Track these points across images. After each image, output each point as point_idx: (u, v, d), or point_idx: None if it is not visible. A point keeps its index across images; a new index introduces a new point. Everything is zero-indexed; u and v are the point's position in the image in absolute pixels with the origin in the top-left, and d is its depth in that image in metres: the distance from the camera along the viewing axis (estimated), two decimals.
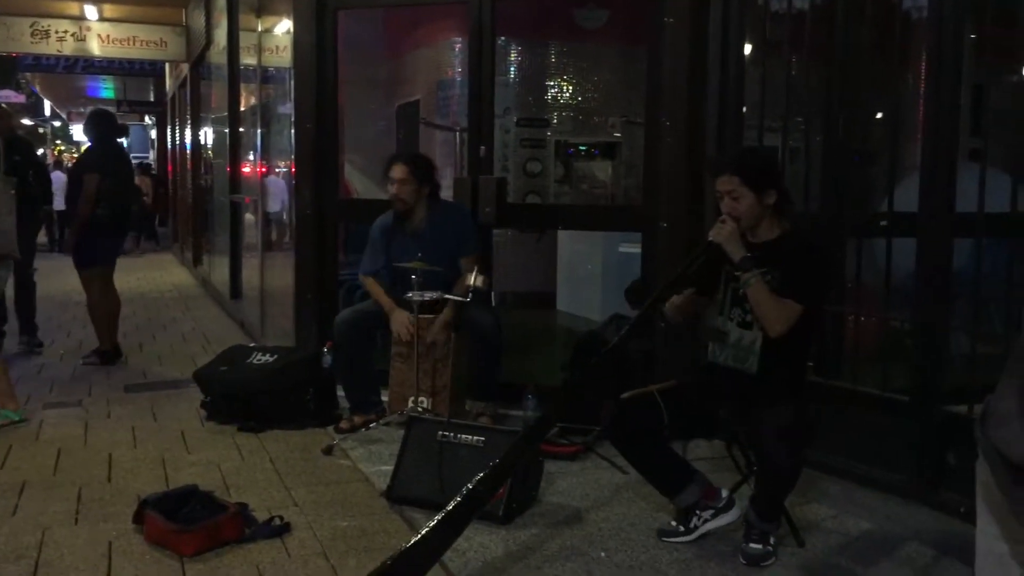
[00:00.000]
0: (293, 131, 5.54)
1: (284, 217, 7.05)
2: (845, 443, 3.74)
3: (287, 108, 5.93)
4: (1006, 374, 1.09)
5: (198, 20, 11.19)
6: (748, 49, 4.45)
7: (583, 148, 8.40)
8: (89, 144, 6.59)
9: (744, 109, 4.45)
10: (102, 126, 6.53)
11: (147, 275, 12.74)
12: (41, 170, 7.17)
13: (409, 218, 4.57)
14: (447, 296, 4.32)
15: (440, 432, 3.59)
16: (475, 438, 3.54)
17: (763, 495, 3.12)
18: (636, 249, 5.05)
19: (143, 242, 16.84)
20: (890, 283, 3.82)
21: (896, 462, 3.59)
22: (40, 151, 19.52)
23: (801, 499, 3.51)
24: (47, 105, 30.78)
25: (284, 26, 6.16)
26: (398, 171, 4.54)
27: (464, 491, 2.73)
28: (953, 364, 3.60)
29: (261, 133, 7.87)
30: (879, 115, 4.79)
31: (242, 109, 8.77)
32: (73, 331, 7.72)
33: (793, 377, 3.20)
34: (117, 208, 6.29)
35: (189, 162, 13.58)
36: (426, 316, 4.45)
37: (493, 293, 6.96)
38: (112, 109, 25.69)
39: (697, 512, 3.23)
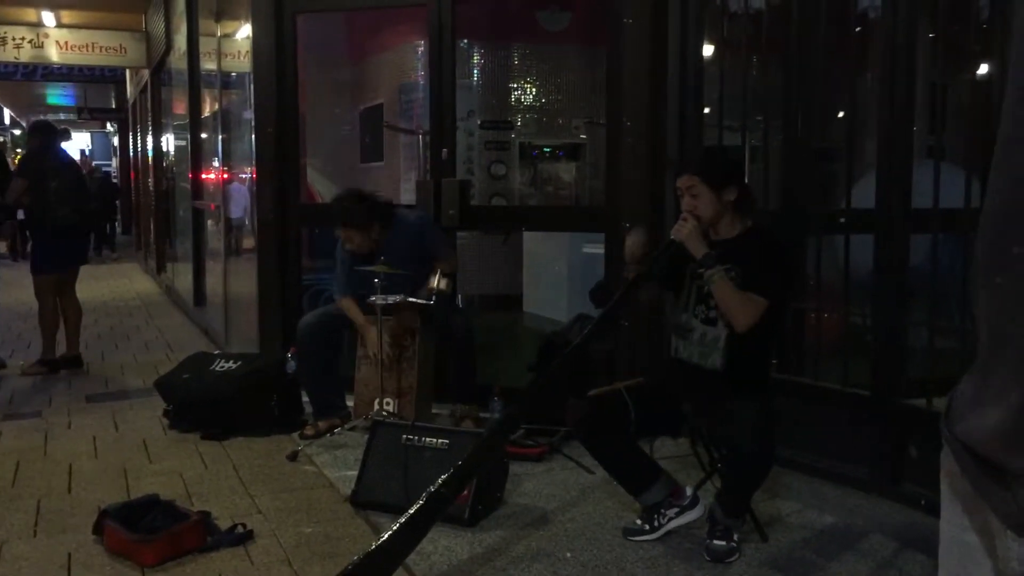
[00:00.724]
0: (254, 136, 5.50)
1: (247, 223, 6.99)
2: (808, 438, 3.78)
3: (248, 113, 5.88)
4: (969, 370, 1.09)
5: (158, 25, 11.08)
6: (707, 49, 4.49)
7: (547, 150, 8.42)
8: (36, 148, 6.46)
9: (705, 108, 4.48)
10: (39, 136, 6.48)
11: (110, 284, 12.58)
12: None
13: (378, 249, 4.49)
14: (410, 299, 4.30)
15: (404, 435, 3.57)
16: (439, 441, 3.53)
17: (731, 491, 3.14)
18: (600, 250, 5.06)
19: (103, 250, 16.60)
20: (850, 279, 3.86)
21: (858, 456, 3.63)
22: None
23: (765, 495, 3.53)
24: (7, 113, 30.33)
25: (244, 31, 6.12)
26: (349, 235, 4.43)
27: (427, 493, 2.71)
28: (913, 358, 3.64)
29: (223, 139, 7.80)
30: (838, 114, 4.84)
31: (204, 115, 8.69)
32: (34, 342, 7.57)
33: (758, 373, 3.23)
34: (62, 213, 6.20)
35: (151, 169, 13.43)
36: (390, 318, 4.42)
37: (460, 296, 6.96)
38: (73, 116, 25.43)
39: (662, 510, 3.23)
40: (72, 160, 6.93)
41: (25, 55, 12.11)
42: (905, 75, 3.51)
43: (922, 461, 3.37)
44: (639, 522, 3.27)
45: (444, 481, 2.73)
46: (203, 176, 8.76)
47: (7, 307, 8.52)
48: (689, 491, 3.29)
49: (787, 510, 3.52)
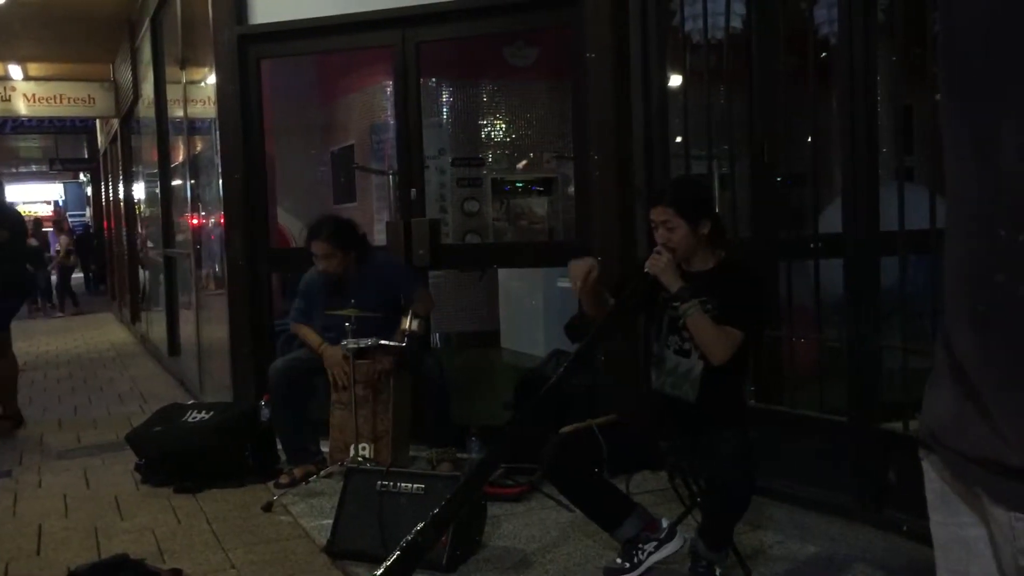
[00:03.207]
0: (221, 182, 5.46)
1: (218, 269, 6.94)
2: (788, 467, 3.74)
3: (217, 159, 5.86)
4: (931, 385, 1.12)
5: (125, 75, 11.06)
6: (671, 80, 4.51)
7: (520, 185, 8.43)
8: None
9: (672, 138, 4.49)
10: None
11: (84, 335, 12.47)
12: None
13: (340, 280, 4.48)
14: (382, 342, 4.26)
15: (379, 482, 3.51)
16: (415, 486, 3.47)
17: (712, 524, 3.09)
18: None
19: (47, 305, 16.30)
20: (822, 304, 3.85)
21: (839, 483, 3.60)
22: None
23: (746, 526, 3.49)
24: None
25: (210, 78, 6.11)
26: (320, 247, 4.41)
27: (403, 544, 2.65)
28: (890, 380, 3.63)
29: (192, 185, 7.76)
30: (804, 139, 4.88)
31: (173, 163, 8.66)
32: None
33: (734, 403, 3.21)
34: (9, 269, 6.12)
35: (124, 218, 13.35)
36: (363, 361, 4.38)
37: (437, 334, 6.92)
38: (45, 168, 25.31)
39: (640, 545, 3.18)
40: (20, 215, 6.89)
41: None
42: (865, 98, 3.53)
43: (902, 486, 3.34)
44: (619, 560, 3.22)
45: (420, 530, 2.66)
46: (174, 224, 8.70)
47: None
48: (665, 523, 3.24)
49: (769, 541, 3.49)
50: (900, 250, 3.48)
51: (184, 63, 7.13)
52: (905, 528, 3.23)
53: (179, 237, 8.54)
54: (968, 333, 0.96)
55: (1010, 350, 0.88)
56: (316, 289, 4.55)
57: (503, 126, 8.37)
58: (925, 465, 1.11)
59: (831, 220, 3.87)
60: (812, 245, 3.96)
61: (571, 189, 7.09)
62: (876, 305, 3.58)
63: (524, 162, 8.42)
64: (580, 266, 3.17)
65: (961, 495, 1.04)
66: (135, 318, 12.07)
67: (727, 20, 4.23)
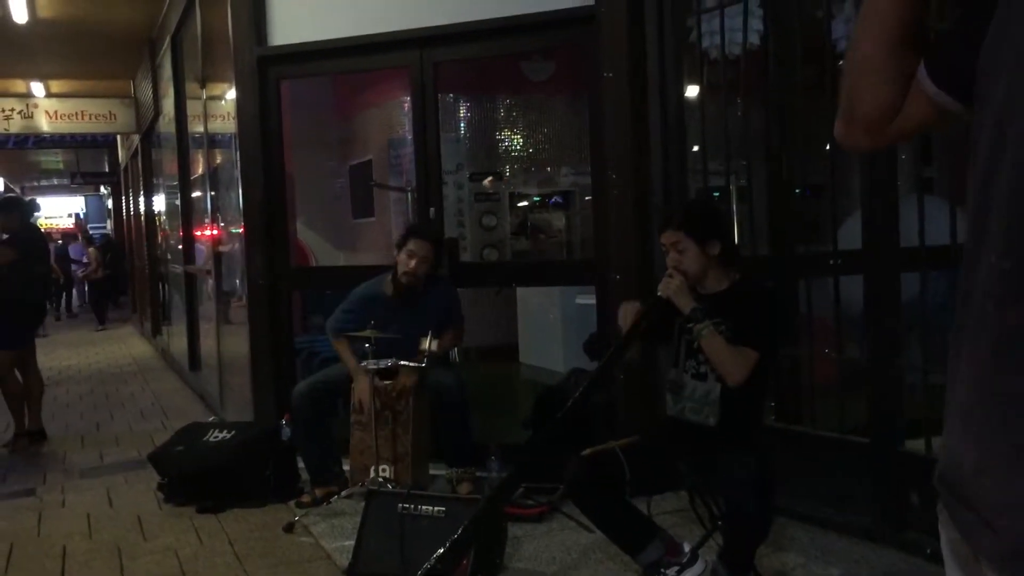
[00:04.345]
0: (242, 201, 5.50)
1: (238, 285, 6.99)
2: (808, 487, 3.73)
3: (237, 173, 5.91)
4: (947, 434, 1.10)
5: (146, 91, 11.17)
6: (688, 96, 4.51)
7: (537, 199, 8.45)
8: (20, 227, 6.43)
9: (689, 155, 4.50)
10: (18, 211, 6.52)
11: (106, 348, 12.57)
12: None
13: (411, 293, 4.45)
14: (402, 363, 4.26)
15: (400, 504, 3.52)
16: (436, 509, 3.48)
17: (733, 548, 3.08)
18: (593, 300, 5.05)
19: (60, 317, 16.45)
20: (842, 322, 3.84)
21: (860, 505, 3.58)
22: None
23: (768, 548, 3.47)
24: (0, 181, 30.44)
25: (229, 93, 6.17)
26: (422, 248, 4.38)
27: (423, 571, 2.66)
28: (911, 397, 3.61)
29: (212, 202, 7.83)
30: (822, 153, 4.87)
31: (193, 176, 8.73)
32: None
33: (752, 426, 3.19)
34: (35, 289, 6.27)
35: (144, 232, 13.46)
36: (385, 383, 4.39)
37: (456, 349, 6.93)
38: (67, 181, 25.53)
39: (662, 570, 3.17)
40: (43, 235, 7.02)
41: (15, 126, 12.20)
42: None
43: (925, 508, 3.32)
44: None
45: (440, 556, 2.67)
46: (194, 240, 8.77)
47: None
48: (687, 547, 3.23)
49: (792, 564, 3.47)
50: (921, 266, 3.46)
51: (204, 80, 7.19)
52: (929, 551, 3.21)
53: (199, 253, 8.60)
54: (951, 360, 0.95)
55: (974, 367, 0.87)
56: (374, 307, 4.46)
57: (520, 140, 8.39)
58: (941, 516, 1.10)
59: (850, 233, 3.85)
60: (832, 262, 3.95)
61: (588, 198, 7.12)
62: (897, 322, 3.56)
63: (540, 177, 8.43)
64: (631, 309, 3.16)
65: (966, 558, 1.01)
66: (156, 331, 12.16)
67: (744, 35, 4.23)
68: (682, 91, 4.46)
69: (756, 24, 4.31)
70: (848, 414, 3.73)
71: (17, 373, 6.34)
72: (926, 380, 3.48)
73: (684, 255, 3.12)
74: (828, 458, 3.75)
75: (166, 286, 11.42)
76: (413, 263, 4.40)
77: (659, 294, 3.13)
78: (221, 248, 7.44)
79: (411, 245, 4.42)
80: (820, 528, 3.66)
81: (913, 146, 4.72)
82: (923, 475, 3.25)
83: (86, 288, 15.47)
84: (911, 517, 3.40)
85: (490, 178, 8.24)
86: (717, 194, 4.70)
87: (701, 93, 4.49)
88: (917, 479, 3.38)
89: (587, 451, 3.29)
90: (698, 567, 3.19)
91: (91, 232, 22.55)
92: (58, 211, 34.12)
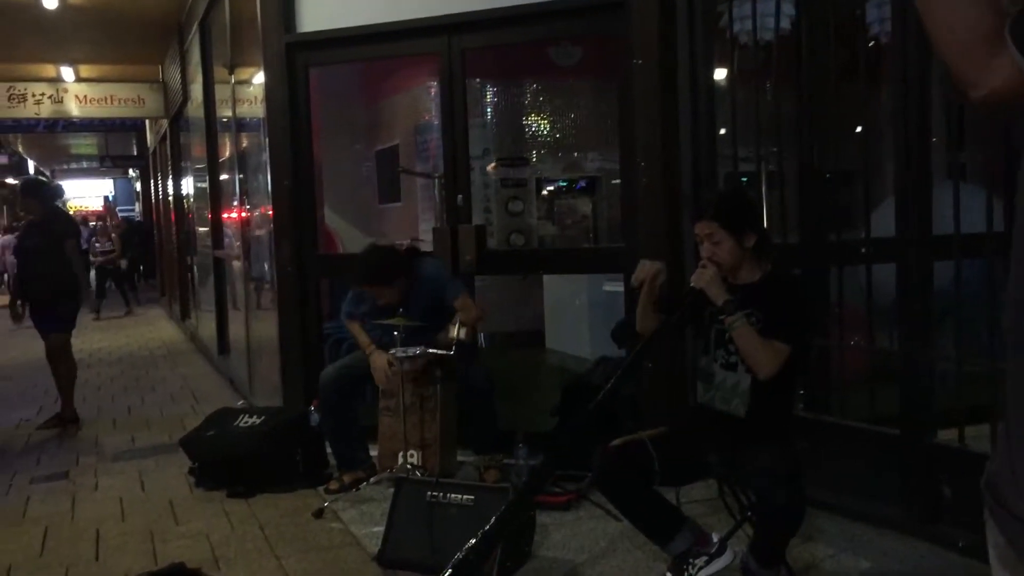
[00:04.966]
0: (270, 189, 5.53)
1: (267, 270, 7.04)
2: (838, 478, 3.71)
3: (264, 156, 5.93)
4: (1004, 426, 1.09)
5: (174, 76, 11.22)
6: (718, 83, 4.47)
7: (564, 184, 8.42)
8: (47, 211, 6.51)
9: (717, 143, 4.46)
10: (50, 195, 6.61)
11: (136, 332, 12.69)
12: None
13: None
14: (430, 350, 4.28)
15: (429, 492, 3.54)
16: (464, 497, 3.49)
17: (763, 541, 3.07)
18: (620, 288, 5.04)
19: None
20: (873, 312, 3.81)
21: (891, 496, 3.56)
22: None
23: (798, 539, 3.44)
24: (31, 164, 30.80)
25: (257, 77, 6.19)
26: (381, 292, 4.41)
27: (454, 562, 2.67)
28: (943, 387, 3.57)
29: (240, 187, 7.86)
30: (853, 139, 4.82)
31: (221, 159, 8.78)
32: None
33: (782, 417, 3.17)
34: (77, 271, 6.38)
35: (172, 216, 13.56)
36: (411, 370, 4.41)
37: (482, 335, 6.94)
38: (95, 164, 25.78)
39: (691, 560, 3.17)
40: (70, 218, 7.12)
41: (45, 111, 12.30)
42: (918, 98, 3.46)
43: (957, 501, 3.29)
44: (669, 574, 3.21)
45: (471, 547, 2.68)
46: (223, 224, 8.83)
47: (27, 362, 8.59)
48: (715, 537, 3.23)
49: (821, 555, 3.45)
50: (955, 254, 3.42)
51: (232, 66, 7.21)
52: (961, 544, 3.19)
53: (227, 238, 8.66)
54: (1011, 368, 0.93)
55: None
56: (369, 296, 4.57)
57: (547, 126, 8.36)
58: (988, 521, 1.09)
59: (882, 220, 3.81)
60: (863, 250, 3.91)
61: (615, 182, 7.08)
62: (930, 312, 3.52)
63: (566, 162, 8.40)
64: (649, 267, 3.17)
65: (1014, 564, 1.00)
66: (185, 315, 12.26)
67: (777, 20, 4.19)
68: (712, 78, 4.42)
69: (788, 8, 4.27)
70: (878, 404, 3.70)
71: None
72: (959, 370, 3.45)
73: (719, 247, 3.10)
74: (858, 449, 3.72)
75: (194, 270, 11.50)
76: (383, 301, 4.42)
77: (692, 285, 3.11)
78: (249, 233, 7.48)
79: (373, 291, 4.43)
80: (850, 519, 3.64)
81: (946, 131, 4.66)
82: (955, 467, 3.24)
83: (92, 273, 15.05)
84: (943, 510, 3.37)
85: (493, 164, 8.19)
86: (745, 179, 4.66)
87: (731, 79, 4.45)
88: (949, 471, 3.36)
89: (615, 441, 3.29)
90: (726, 558, 3.18)
91: (120, 215, 22.73)
92: (88, 193, 34.52)
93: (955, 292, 3.48)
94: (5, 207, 30.04)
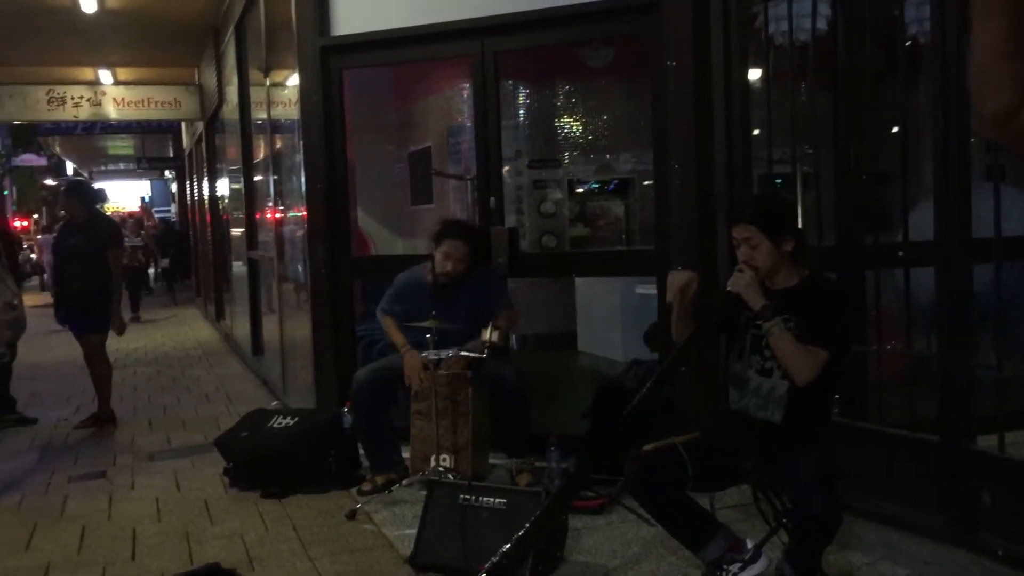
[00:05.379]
0: (304, 190, 5.56)
1: (300, 270, 7.09)
2: (875, 484, 3.66)
3: (299, 157, 5.98)
4: None
5: (210, 79, 11.34)
6: (752, 84, 4.43)
7: (596, 186, 8.39)
8: (88, 214, 6.60)
9: (751, 144, 4.42)
10: (92, 196, 6.70)
11: (171, 331, 12.84)
12: None
13: (444, 287, 4.48)
14: (463, 353, 4.29)
15: (461, 496, 3.54)
16: (497, 501, 3.49)
17: (799, 548, 3.03)
18: (653, 290, 5.01)
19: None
20: (911, 316, 3.75)
21: (930, 503, 3.50)
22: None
23: (834, 545, 3.40)
24: (69, 166, 31.29)
25: (292, 79, 6.25)
26: (458, 249, 4.41)
27: (488, 566, 2.67)
28: (982, 392, 3.51)
29: (275, 189, 7.93)
30: (890, 140, 4.75)
31: (255, 161, 8.86)
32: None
33: (819, 423, 3.14)
34: (107, 274, 6.45)
35: (208, 217, 13.71)
36: (443, 373, 4.41)
37: (514, 336, 6.93)
38: (132, 166, 26.14)
39: (724, 567, 3.15)
40: (111, 220, 7.26)
41: (84, 113, 12.49)
42: (958, 95, 3.41)
43: (997, 509, 3.24)
44: None
45: (504, 552, 2.69)
46: (257, 225, 8.90)
47: (66, 361, 8.70)
48: (750, 544, 3.20)
49: (858, 563, 3.41)
50: (995, 257, 3.36)
51: (268, 69, 7.27)
52: (1001, 553, 3.13)
53: (261, 239, 8.73)
54: None
55: None
56: (417, 293, 4.56)
57: (579, 127, 8.33)
58: None
59: (920, 223, 3.75)
60: (900, 253, 3.85)
61: (647, 183, 7.04)
62: (969, 316, 3.46)
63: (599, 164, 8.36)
64: (680, 277, 3.15)
65: None
66: (220, 315, 12.38)
67: (813, 21, 4.14)
68: (747, 78, 4.38)
69: (825, 9, 4.22)
70: (917, 410, 3.65)
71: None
72: (999, 375, 3.39)
73: (757, 251, 3.08)
74: (896, 455, 3.67)
75: (229, 270, 11.61)
76: (449, 265, 4.42)
77: (728, 289, 3.09)
78: (283, 234, 7.54)
79: (446, 246, 4.44)
80: (887, 527, 3.59)
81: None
82: (995, 474, 3.19)
83: None
84: (982, 518, 3.31)
85: (506, 167, 8.15)
86: (779, 181, 4.62)
87: (766, 79, 4.41)
88: (989, 478, 3.30)
89: (649, 447, 3.28)
90: (760, 564, 3.16)
91: (157, 216, 22.99)
92: (125, 195, 35.01)
93: (995, 296, 3.42)
94: (44, 208, 30.54)
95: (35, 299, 12.85)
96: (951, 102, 3.42)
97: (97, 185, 16.24)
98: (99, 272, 6.30)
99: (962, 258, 3.46)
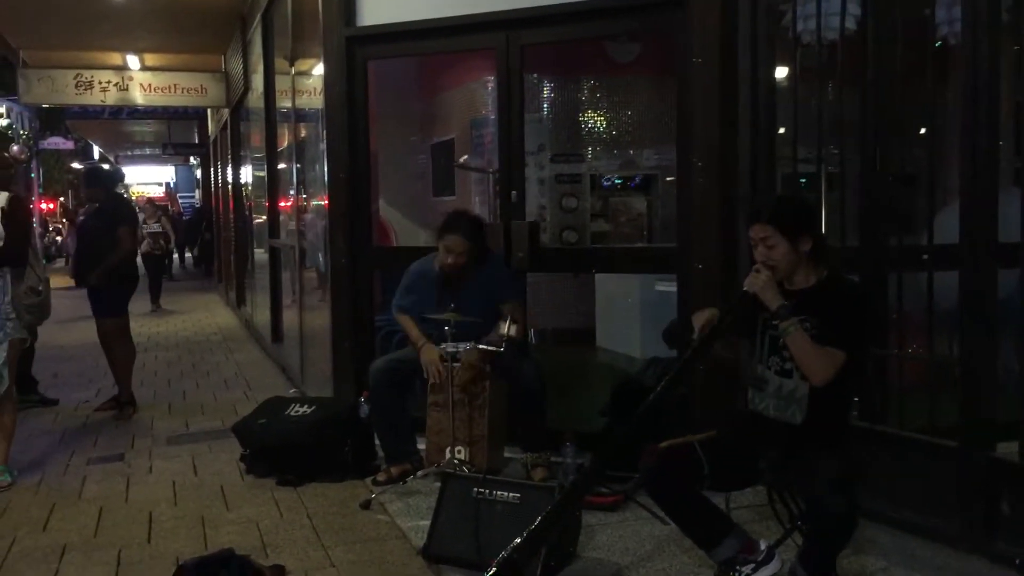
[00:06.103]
0: (327, 181, 5.57)
1: (321, 259, 7.11)
2: (894, 489, 3.63)
3: (322, 146, 6.00)
4: None
5: (236, 66, 11.38)
6: (779, 83, 4.40)
7: (619, 181, 8.36)
8: (107, 197, 6.64)
9: (776, 143, 4.39)
10: (112, 182, 6.73)
11: (192, 317, 12.93)
12: None
13: (453, 279, 4.51)
14: (480, 346, 4.29)
15: (475, 489, 3.54)
16: (510, 495, 3.49)
17: (814, 551, 3.01)
18: (673, 287, 4.99)
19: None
20: (934, 320, 3.71)
21: (947, 509, 3.47)
22: None
23: (848, 549, 3.38)
24: (96, 150, 31.56)
25: (317, 69, 6.27)
26: (458, 244, 4.42)
27: (499, 560, 2.66)
28: (1004, 398, 3.48)
29: (299, 179, 7.95)
30: (917, 142, 4.70)
31: (279, 149, 8.89)
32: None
33: (838, 424, 3.12)
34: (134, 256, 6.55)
35: (231, 204, 13.78)
36: (460, 365, 4.42)
37: (533, 331, 6.93)
38: (158, 151, 26.32)
39: (737, 567, 3.13)
40: (129, 203, 7.28)
41: (111, 98, 12.57)
42: (987, 97, 3.37)
43: (1015, 517, 3.20)
44: None
45: (516, 546, 2.68)
46: (280, 214, 8.94)
47: (86, 342, 8.79)
48: (763, 545, 3.18)
49: (873, 567, 3.39)
50: (1021, 262, 3.32)
51: (293, 58, 7.29)
52: (1018, 562, 3.11)
53: (283, 227, 8.77)
54: None
55: None
56: (426, 284, 4.59)
57: (603, 122, 8.30)
58: None
59: (945, 226, 3.71)
60: (924, 256, 3.82)
61: (670, 179, 6.99)
62: (993, 321, 3.42)
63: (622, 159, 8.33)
64: (702, 317, 3.13)
65: None
66: (241, 302, 12.45)
67: (842, 20, 4.10)
68: (773, 77, 4.35)
69: (854, 8, 4.18)
70: (936, 415, 3.62)
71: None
72: (1021, 381, 3.35)
73: (774, 250, 3.05)
74: (914, 460, 3.64)
75: (251, 257, 11.67)
76: (450, 259, 4.43)
77: (745, 289, 3.07)
78: (305, 223, 7.56)
79: (447, 241, 4.44)
80: (903, 532, 3.57)
81: (1013, 136, 4.53)
82: (1014, 482, 3.15)
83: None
84: (1000, 525, 3.28)
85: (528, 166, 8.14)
86: (804, 181, 4.58)
87: (793, 78, 4.38)
88: (1008, 486, 3.27)
89: (664, 444, 3.26)
90: (774, 565, 3.14)
91: (181, 202, 23.20)
92: (150, 179, 35.27)
93: (1019, 301, 3.38)
94: (71, 191, 30.83)
95: (60, 281, 12.95)
96: (980, 105, 3.38)
97: (114, 167, 16.34)
98: (113, 253, 6.34)
99: (987, 262, 3.42)
